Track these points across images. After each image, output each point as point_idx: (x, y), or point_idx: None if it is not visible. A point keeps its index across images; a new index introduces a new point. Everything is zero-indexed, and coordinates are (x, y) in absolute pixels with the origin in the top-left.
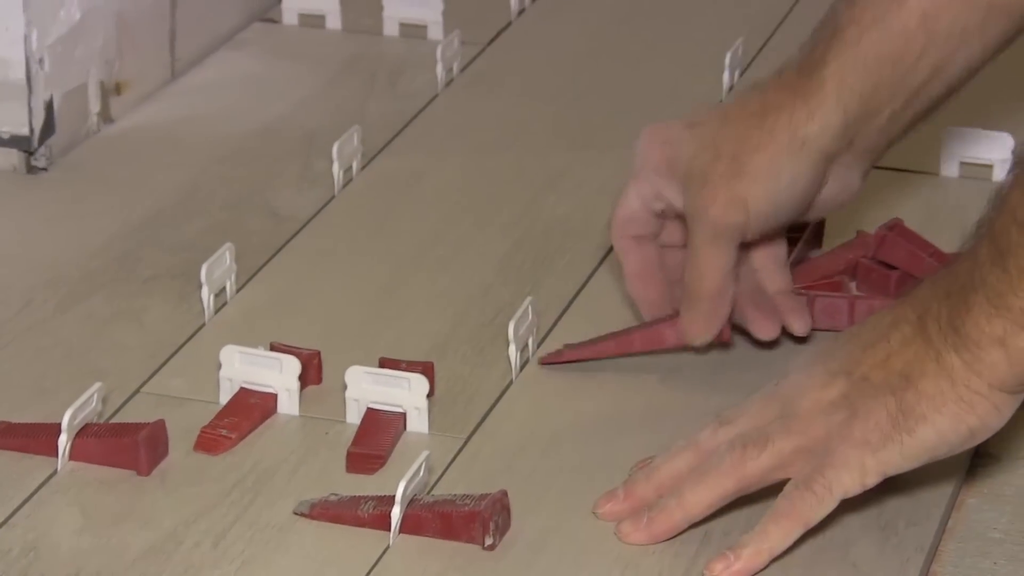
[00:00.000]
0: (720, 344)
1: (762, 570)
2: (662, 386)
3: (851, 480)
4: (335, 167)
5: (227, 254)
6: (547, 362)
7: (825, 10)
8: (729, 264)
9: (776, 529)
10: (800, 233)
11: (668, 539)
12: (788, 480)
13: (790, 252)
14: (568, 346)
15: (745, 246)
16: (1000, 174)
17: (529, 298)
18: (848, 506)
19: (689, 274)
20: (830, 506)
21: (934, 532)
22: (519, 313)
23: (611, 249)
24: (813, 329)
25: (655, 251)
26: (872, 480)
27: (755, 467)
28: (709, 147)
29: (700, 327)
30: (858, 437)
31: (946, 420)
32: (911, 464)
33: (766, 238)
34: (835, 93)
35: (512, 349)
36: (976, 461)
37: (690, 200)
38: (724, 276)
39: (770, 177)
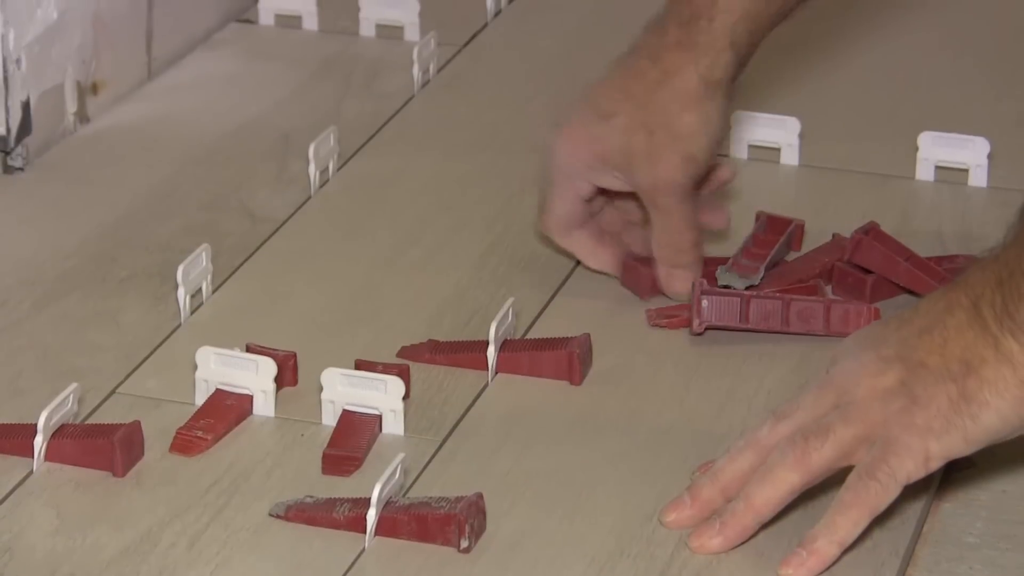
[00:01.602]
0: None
1: (832, 562)
2: (637, 389)
3: (915, 466)
4: (311, 168)
5: (203, 255)
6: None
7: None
8: (694, 216)
9: (844, 520)
10: (777, 237)
11: (741, 543)
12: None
13: (767, 255)
14: (432, 342)
15: None
16: (975, 178)
17: (511, 299)
18: (820, 509)
19: (666, 237)
20: (895, 493)
21: (909, 536)
22: (500, 314)
23: None
24: (787, 333)
25: (595, 226)
26: (935, 465)
27: (819, 458)
28: (639, 128)
29: (686, 279)
30: (920, 424)
31: (1008, 405)
32: (973, 448)
33: None
34: (727, 38)
35: (491, 351)
36: (951, 466)
37: (644, 177)
38: (695, 228)
39: (704, 129)
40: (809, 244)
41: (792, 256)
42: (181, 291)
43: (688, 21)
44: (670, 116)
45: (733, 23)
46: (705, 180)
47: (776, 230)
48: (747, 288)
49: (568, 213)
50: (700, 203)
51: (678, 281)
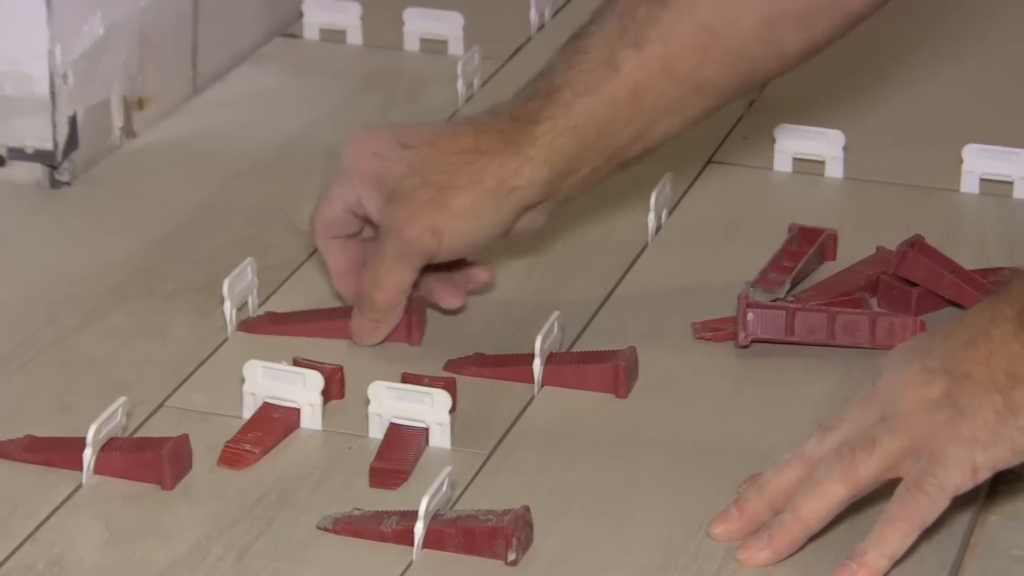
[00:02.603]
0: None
1: None
2: (682, 402)
3: (962, 478)
4: None
5: (249, 269)
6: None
7: None
8: (408, 282)
9: (894, 533)
10: (807, 248)
11: (789, 556)
12: (898, 480)
13: (795, 268)
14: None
15: None
16: (1020, 190)
17: (556, 312)
18: (865, 522)
19: (368, 281)
20: (943, 505)
21: (956, 549)
22: (546, 327)
23: (629, 268)
24: (832, 345)
25: (358, 248)
26: (983, 476)
27: (866, 470)
28: (418, 172)
29: (368, 332)
30: (966, 435)
31: None
32: (1020, 459)
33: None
34: (544, 151)
35: (537, 364)
36: (998, 479)
37: (389, 216)
38: (400, 292)
39: (471, 217)
40: (853, 257)
41: (827, 266)
42: (227, 305)
43: (519, 117)
44: (450, 184)
45: (555, 136)
46: (454, 266)
47: (807, 241)
48: (785, 300)
49: (332, 215)
50: (440, 281)
51: (358, 324)
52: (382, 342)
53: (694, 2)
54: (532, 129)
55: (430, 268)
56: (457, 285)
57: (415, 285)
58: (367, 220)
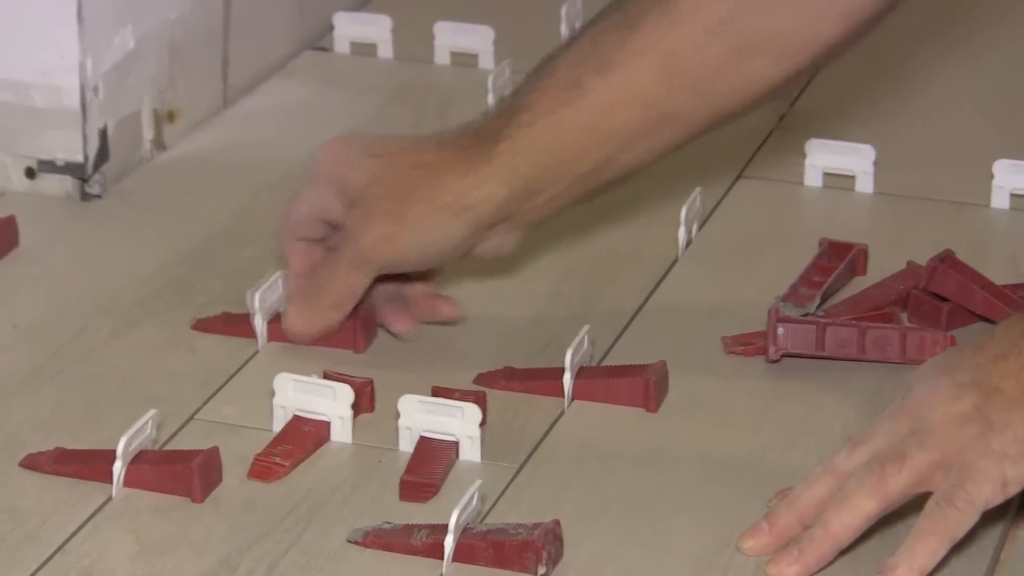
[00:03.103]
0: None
1: None
2: (713, 416)
3: (992, 492)
4: None
5: (279, 281)
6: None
7: None
8: (359, 289)
9: (924, 548)
10: (837, 263)
11: (819, 570)
12: (927, 494)
13: (825, 283)
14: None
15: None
16: None
17: (586, 326)
18: (897, 537)
19: (324, 275)
20: (973, 519)
21: (987, 564)
22: (576, 341)
23: (659, 282)
24: (863, 360)
25: (320, 254)
26: (1013, 490)
27: (896, 484)
28: (380, 183)
29: (302, 326)
30: (996, 450)
31: None
32: None
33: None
34: (502, 170)
35: (567, 378)
36: None
37: (349, 222)
38: (350, 294)
39: (426, 230)
40: (884, 272)
41: (857, 281)
42: (258, 318)
43: (481, 135)
44: (409, 197)
45: (515, 155)
46: (420, 294)
47: (837, 256)
48: (815, 315)
49: (299, 217)
50: (393, 304)
51: (295, 317)
52: (320, 344)
53: (661, 30)
54: (491, 148)
55: (390, 285)
56: (407, 312)
57: (368, 296)
58: (334, 226)
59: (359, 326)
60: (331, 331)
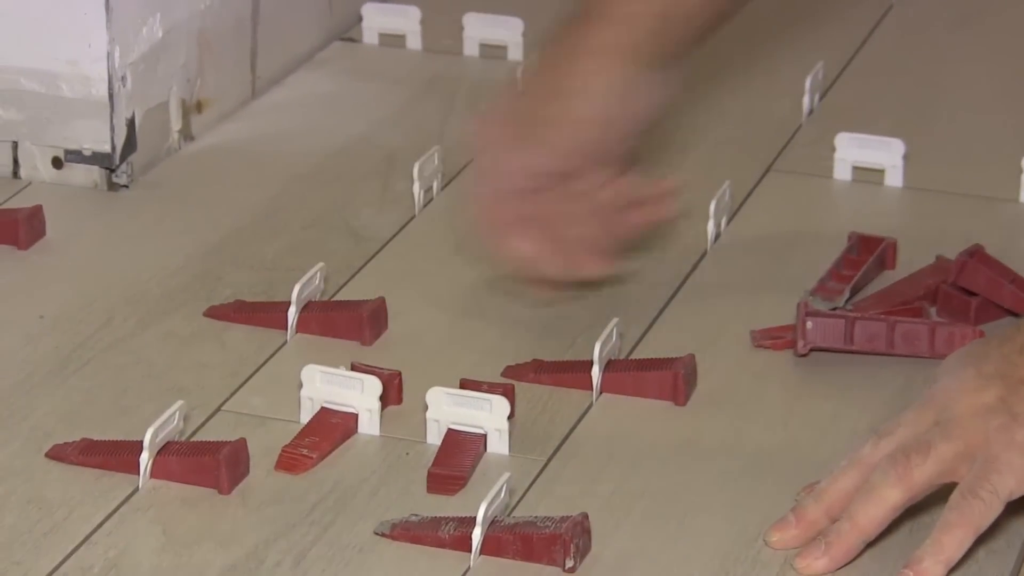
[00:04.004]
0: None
1: None
2: (741, 410)
3: (1017, 483)
4: (416, 187)
5: (318, 275)
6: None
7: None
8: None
9: (950, 539)
10: (867, 257)
11: (847, 563)
12: (953, 485)
13: (854, 277)
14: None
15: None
16: None
17: (615, 319)
18: (924, 530)
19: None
20: (998, 510)
21: (1014, 560)
22: (604, 334)
23: (688, 275)
24: (891, 355)
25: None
26: None
27: (921, 475)
28: (542, 96)
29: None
30: (1020, 441)
31: None
32: None
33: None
34: (626, 23)
35: (596, 371)
36: None
37: (552, 140)
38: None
39: (604, 91)
40: (913, 266)
41: (886, 274)
42: (292, 310)
43: (589, 10)
44: (573, 81)
45: (631, 8)
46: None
47: (867, 250)
48: (844, 309)
49: (498, 208)
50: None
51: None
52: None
53: None
54: (609, 12)
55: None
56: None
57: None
58: (541, 178)
59: (366, 318)
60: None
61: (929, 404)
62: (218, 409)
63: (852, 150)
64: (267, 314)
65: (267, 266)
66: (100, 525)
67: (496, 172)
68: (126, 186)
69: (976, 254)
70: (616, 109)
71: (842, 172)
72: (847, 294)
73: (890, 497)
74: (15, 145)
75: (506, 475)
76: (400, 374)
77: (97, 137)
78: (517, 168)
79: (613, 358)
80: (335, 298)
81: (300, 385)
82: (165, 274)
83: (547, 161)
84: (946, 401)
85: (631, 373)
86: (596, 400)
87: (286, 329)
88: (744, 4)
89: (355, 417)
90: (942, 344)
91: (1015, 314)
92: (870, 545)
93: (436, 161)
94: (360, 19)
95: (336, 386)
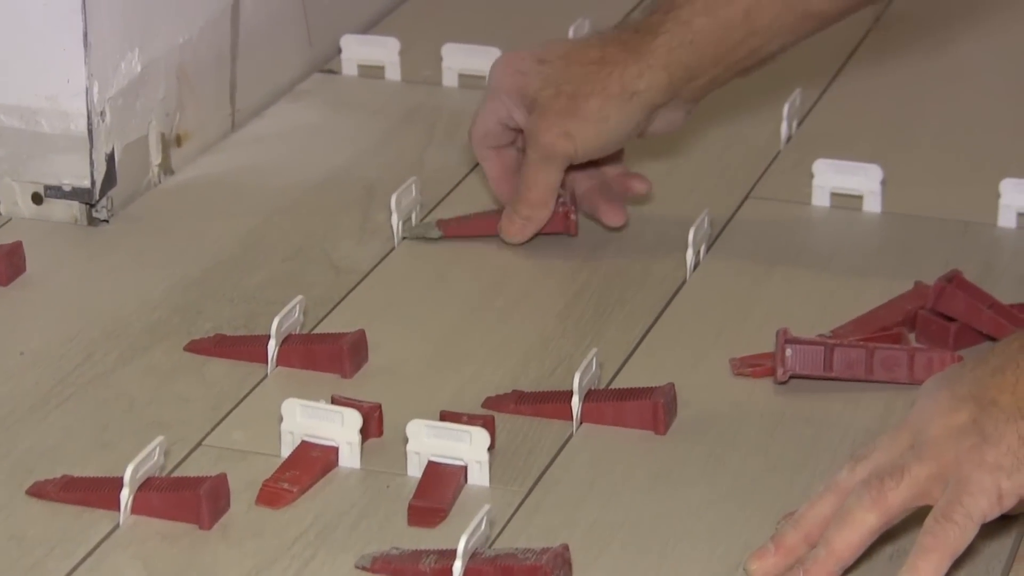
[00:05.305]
0: (567, 234)
1: None
2: (721, 438)
3: (989, 505)
4: (394, 218)
5: (297, 307)
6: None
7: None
8: (553, 182)
9: (926, 564)
10: None
11: None
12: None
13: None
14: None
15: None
16: None
17: (595, 349)
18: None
19: (521, 182)
20: (973, 533)
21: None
22: (584, 364)
23: (667, 304)
24: (871, 381)
25: (512, 157)
26: (1010, 502)
27: (896, 498)
28: (552, 84)
29: (516, 228)
30: (991, 461)
31: None
32: None
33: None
34: (663, 59)
35: (576, 401)
36: None
37: (530, 125)
38: (547, 191)
39: (599, 120)
40: (892, 292)
41: (865, 301)
42: (272, 343)
43: (641, 29)
44: (580, 92)
45: (673, 47)
46: (611, 175)
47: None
48: (824, 336)
49: (487, 130)
50: (603, 198)
51: (507, 221)
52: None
53: None
54: (651, 40)
55: (586, 171)
56: (619, 203)
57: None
58: (517, 131)
59: (346, 351)
60: (542, 226)
61: (905, 427)
62: (199, 444)
63: (830, 176)
64: (247, 348)
65: (247, 299)
66: (81, 562)
67: (492, 108)
68: (106, 221)
69: (955, 279)
70: (620, 143)
71: (820, 199)
72: None
73: (865, 521)
74: None
75: (486, 507)
76: (380, 407)
77: (77, 172)
78: (503, 114)
79: (593, 388)
80: (315, 330)
81: (280, 419)
82: (145, 308)
83: (520, 120)
84: (921, 424)
85: (611, 403)
86: (576, 430)
87: (266, 362)
88: (765, 64)
89: (335, 450)
90: (921, 370)
91: (994, 339)
92: (850, 570)
93: (414, 192)
94: (339, 51)
95: (316, 419)
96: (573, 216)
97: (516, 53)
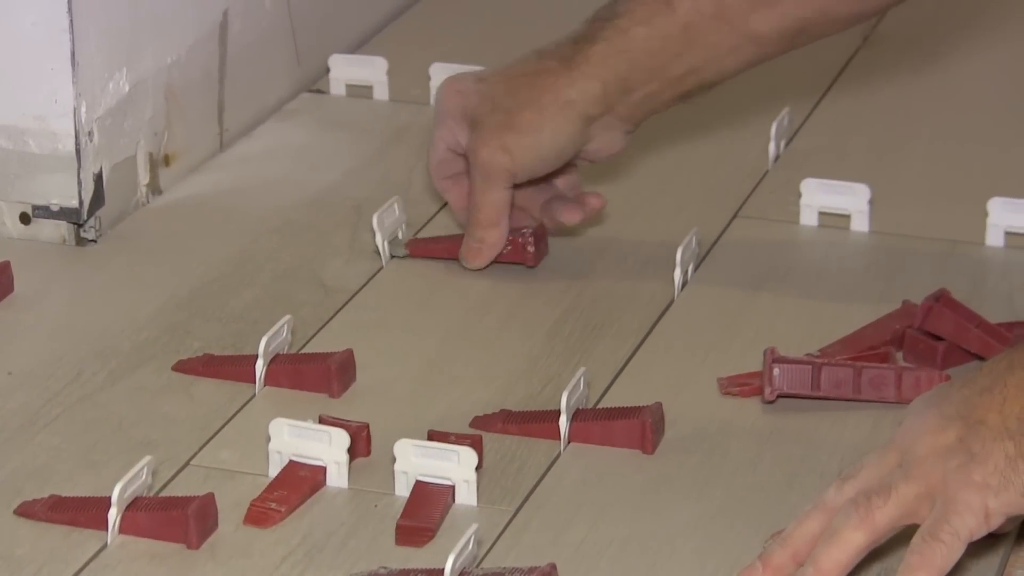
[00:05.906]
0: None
1: None
2: (709, 458)
3: (976, 523)
4: (378, 238)
5: (285, 327)
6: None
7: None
8: (498, 201)
9: None
10: None
11: None
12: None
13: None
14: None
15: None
16: None
17: (582, 368)
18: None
19: (469, 207)
20: (959, 551)
21: None
22: (572, 384)
23: (655, 323)
24: (858, 400)
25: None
26: (996, 521)
27: (883, 517)
28: (489, 100)
29: (474, 252)
30: (978, 481)
31: None
32: None
33: (559, 172)
34: (597, 67)
35: (563, 420)
36: None
37: (469, 144)
38: (494, 211)
39: (533, 131)
40: (880, 311)
41: (852, 320)
42: (260, 363)
43: (579, 39)
44: (515, 106)
45: (608, 56)
46: (569, 191)
47: None
48: (809, 355)
49: (439, 159)
50: (559, 200)
51: (464, 246)
52: (493, 263)
53: None
54: (588, 48)
55: (539, 187)
56: (576, 203)
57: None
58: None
59: (334, 370)
60: (500, 248)
61: (892, 446)
62: (187, 463)
63: (818, 195)
64: (235, 367)
65: (236, 319)
66: None
67: (441, 136)
68: (94, 241)
69: (942, 298)
70: (558, 156)
71: (808, 218)
72: None
73: (853, 540)
74: None
75: (474, 526)
76: (368, 426)
77: (65, 192)
78: (451, 140)
79: (581, 407)
80: (304, 350)
81: (268, 439)
82: (134, 328)
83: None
84: (908, 443)
85: (599, 422)
86: (564, 449)
87: (254, 382)
88: (705, 91)
89: (323, 470)
90: (909, 389)
91: (981, 358)
92: None
93: (397, 211)
94: (327, 70)
95: (304, 439)
96: (531, 248)
97: (458, 75)
